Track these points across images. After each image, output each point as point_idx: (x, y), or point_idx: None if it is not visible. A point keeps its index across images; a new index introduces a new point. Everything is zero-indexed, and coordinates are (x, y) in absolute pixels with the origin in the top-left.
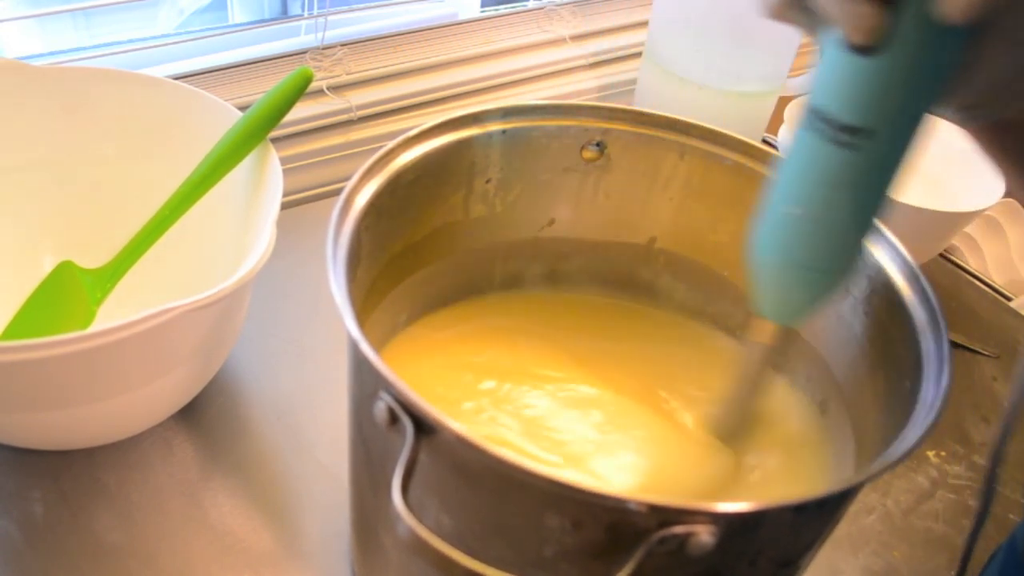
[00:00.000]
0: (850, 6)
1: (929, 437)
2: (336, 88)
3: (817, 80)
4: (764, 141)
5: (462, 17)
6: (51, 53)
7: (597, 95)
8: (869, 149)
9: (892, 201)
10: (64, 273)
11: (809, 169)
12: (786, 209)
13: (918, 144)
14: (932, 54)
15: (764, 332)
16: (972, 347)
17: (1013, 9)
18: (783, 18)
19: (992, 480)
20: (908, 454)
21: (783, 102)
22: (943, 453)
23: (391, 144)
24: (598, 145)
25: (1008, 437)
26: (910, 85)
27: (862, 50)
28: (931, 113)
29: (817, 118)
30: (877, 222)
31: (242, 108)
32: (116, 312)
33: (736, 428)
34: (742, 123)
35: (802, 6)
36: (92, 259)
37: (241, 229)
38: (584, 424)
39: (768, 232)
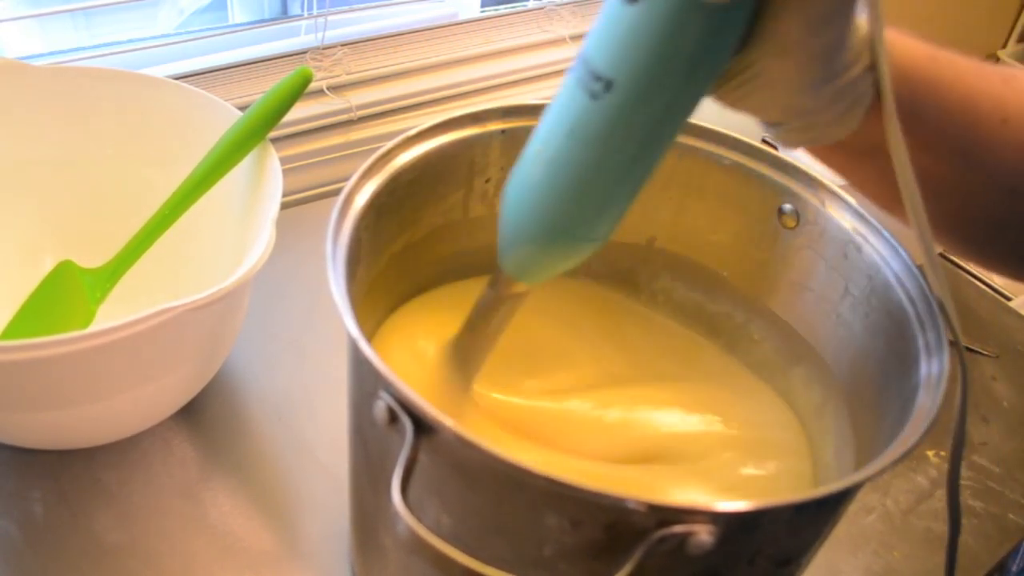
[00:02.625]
0: None
1: (928, 437)
2: (336, 88)
3: (595, 23)
4: (764, 141)
5: (462, 17)
6: (51, 53)
7: None
8: (607, 101)
9: (633, 179)
10: (64, 273)
11: (558, 112)
12: (531, 149)
13: (674, 121)
14: (686, 16)
15: (503, 282)
16: (972, 347)
17: (777, 16)
18: None
19: (956, 500)
20: (907, 454)
21: None
22: (943, 453)
23: (391, 144)
24: None
25: (958, 463)
26: (657, 42)
27: None
28: (693, 89)
29: (579, 61)
30: (622, 194)
31: (242, 108)
32: (116, 312)
33: (465, 365)
34: (741, 123)
35: None
36: (92, 259)
37: (241, 229)
38: (587, 420)
39: (516, 174)
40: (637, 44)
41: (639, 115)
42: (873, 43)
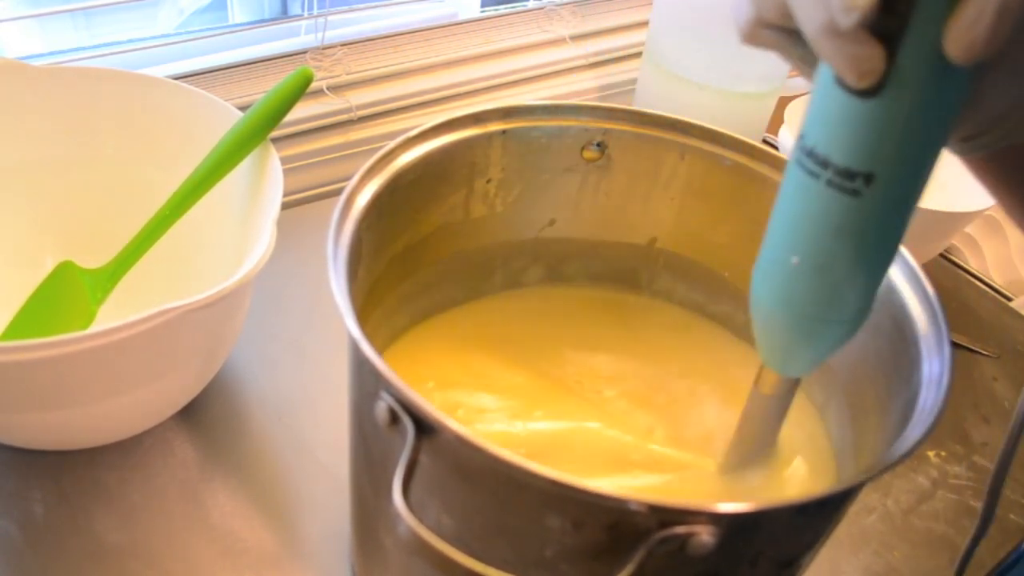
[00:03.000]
0: (847, 46)
1: (929, 437)
2: (336, 88)
3: (810, 117)
4: (764, 141)
5: (462, 17)
6: (51, 53)
7: (597, 95)
8: (871, 195)
9: (901, 246)
10: (64, 273)
11: (806, 215)
12: (784, 257)
13: (926, 184)
14: (937, 94)
15: (769, 383)
16: (972, 347)
17: (1017, 42)
18: (762, 44)
19: (997, 491)
20: (908, 454)
21: (783, 102)
22: (943, 453)
23: (391, 144)
24: (599, 145)
25: (1014, 448)
26: (913, 127)
27: (860, 91)
28: (938, 153)
29: (812, 159)
30: (885, 269)
31: (242, 108)
32: (116, 312)
33: (748, 468)
34: (742, 123)
35: (787, 33)
36: (92, 259)
37: (241, 229)
38: (587, 419)
39: (767, 281)
40: (888, 135)
41: (906, 197)
42: None
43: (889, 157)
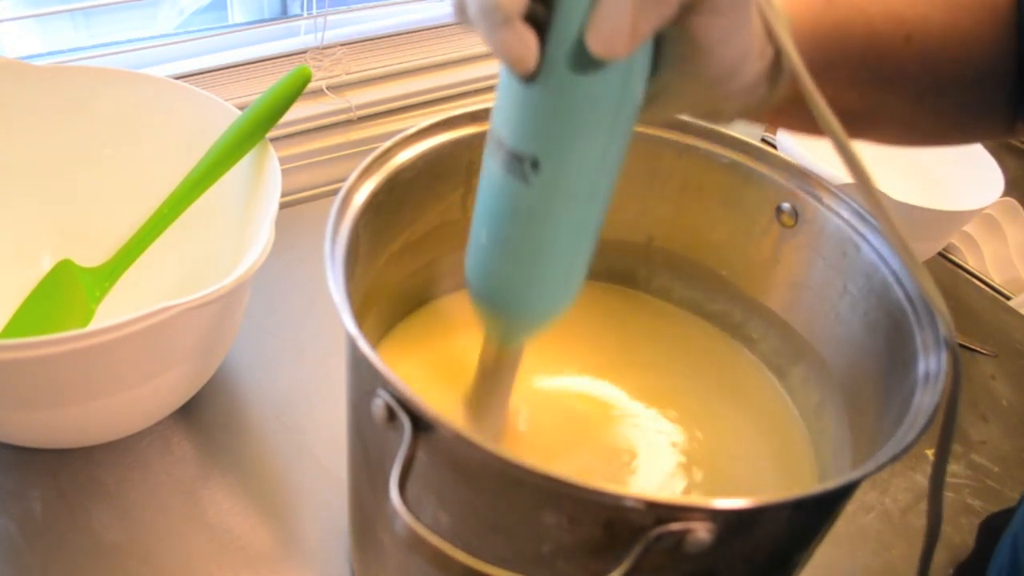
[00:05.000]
0: (499, 31)
1: (926, 435)
2: (335, 88)
3: (496, 101)
4: (763, 140)
5: None
6: (51, 53)
7: None
8: (539, 179)
9: (586, 241)
10: (63, 272)
11: (490, 194)
12: (477, 233)
13: (606, 171)
14: (593, 83)
15: (492, 348)
16: (971, 346)
17: (675, 39)
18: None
19: (939, 504)
20: (904, 452)
21: None
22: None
23: (389, 143)
24: None
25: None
26: (570, 114)
27: (520, 76)
28: (620, 134)
29: (493, 141)
30: (576, 254)
31: (241, 108)
32: (115, 311)
33: (483, 420)
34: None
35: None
36: (91, 258)
37: (239, 228)
38: (584, 418)
39: (469, 254)
40: (549, 121)
41: (574, 184)
42: (775, 34)
43: (551, 142)
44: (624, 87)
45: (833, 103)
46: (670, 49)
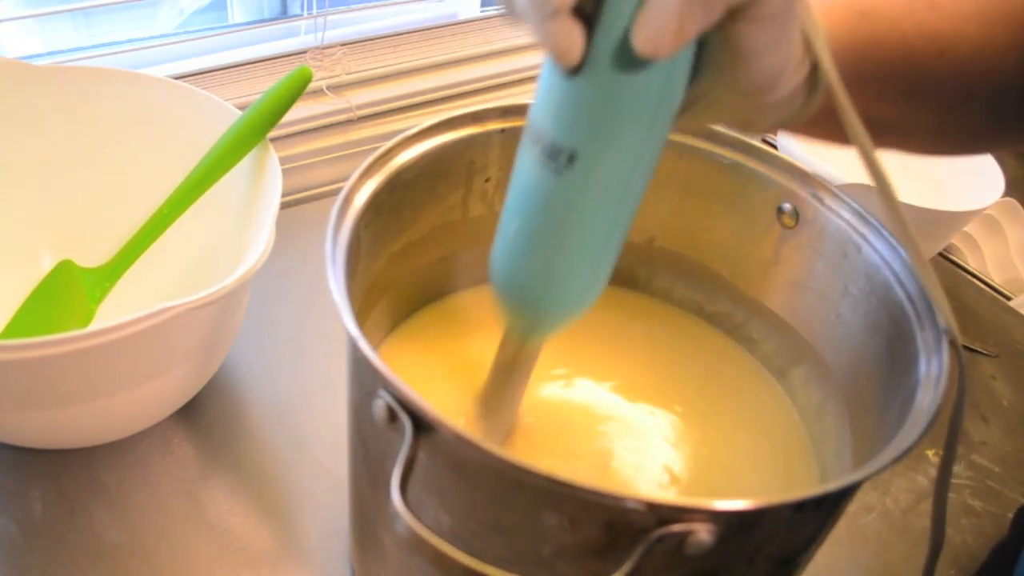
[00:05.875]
0: (547, 24)
1: (928, 436)
2: (336, 88)
3: (537, 92)
4: (764, 141)
5: (462, 17)
6: (51, 53)
7: None
8: (574, 172)
9: (615, 240)
10: (63, 272)
11: (524, 185)
12: (507, 224)
13: (643, 169)
14: (636, 80)
15: (512, 344)
16: (972, 346)
17: (719, 42)
18: (510, 16)
19: (943, 506)
20: (906, 453)
21: None
22: (942, 452)
23: (390, 143)
24: None
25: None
26: (612, 109)
27: (564, 69)
28: (657, 135)
29: (531, 132)
30: (605, 250)
31: (242, 108)
32: (115, 311)
33: (493, 419)
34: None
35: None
36: (91, 258)
37: (240, 228)
38: (583, 420)
39: (497, 247)
40: (589, 114)
41: (609, 181)
42: (813, 47)
43: (591, 136)
44: (665, 88)
45: (864, 115)
46: (711, 56)
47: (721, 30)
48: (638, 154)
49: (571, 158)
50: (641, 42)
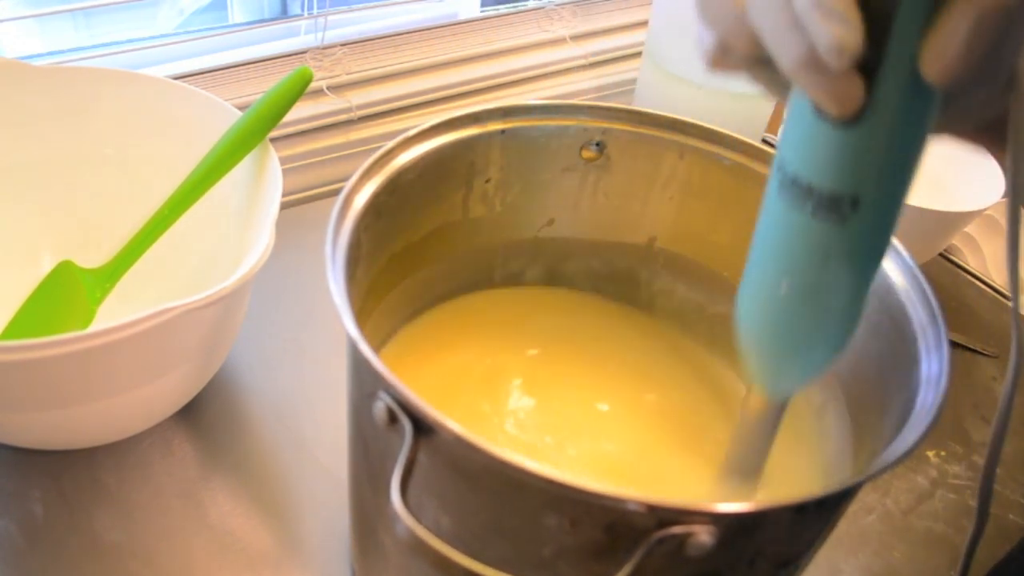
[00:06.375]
0: (828, 81)
1: (929, 437)
2: (336, 88)
3: (790, 143)
4: (764, 141)
5: (462, 17)
6: (51, 53)
7: (596, 95)
8: (857, 219)
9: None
10: (64, 273)
11: (793, 242)
12: (772, 283)
13: (905, 201)
14: (916, 114)
15: (759, 403)
16: (972, 347)
17: (990, 59)
18: (730, 70)
19: (989, 485)
20: (907, 454)
21: (783, 102)
22: (943, 453)
23: (390, 144)
24: (598, 145)
25: (1002, 440)
26: (895, 149)
27: (839, 120)
28: (918, 168)
29: (795, 186)
30: (869, 286)
31: (242, 108)
32: (116, 312)
33: (746, 477)
34: (742, 123)
35: (756, 60)
36: (92, 259)
37: (240, 229)
38: (583, 422)
39: (755, 306)
40: (872, 160)
41: (890, 217)
42: None
43: (873, 180)
44: (934, 107)
45: None
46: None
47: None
48: (912, 182)
49: (854, 204)
50: (934, 70)
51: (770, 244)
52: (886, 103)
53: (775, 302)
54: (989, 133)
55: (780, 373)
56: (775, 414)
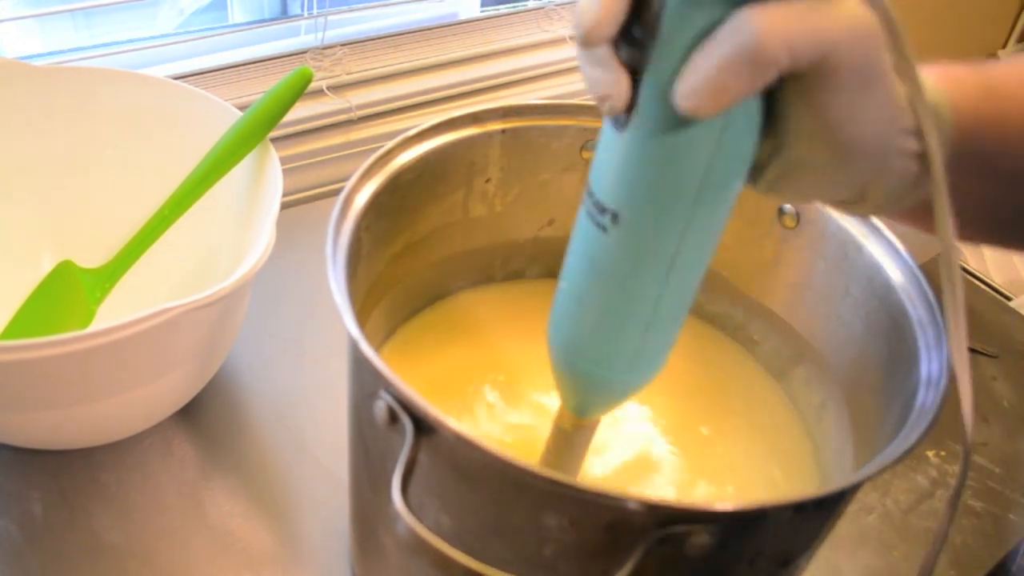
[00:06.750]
0: (592, 67)
1: (928, 437)
2: (336, 88)
3: (595, 148)
4: None
5: (462, 17)
6: (51, 53)
7: None
8: (617, 233)
9: (671, 309)
10: (64, 273)
11: (575, 241)
12: (560, 281)
13: (699, 241)
14: (679, 136)
15: (567, 419)
16: (972, 347)
17: (792, 109)
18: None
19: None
20: (907, 454)
21: None
22: (943, 453)
23: (391, 144)
24: None
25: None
26: (659, 169)
27: (614, 124)
28: (710, 204)
29: (587, 188)
30: (660, 319)
31: (242, 108)
32: (115, 312)
33: None
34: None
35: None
36: (92, 259)
37: (241, 229)
38: None
39: (553, 311)
40: (633, 173)
41: (653, 244)
42: (915, 110)
43: (632, 196)
44: (718, 148)
45: (966, 193)
46: (795, 122)
47: (801, 96)
48: (688, 217)
49: (615, 217)
50: (681, 97)
51: (569, 247)
52: (646, 113)
53: (558, 301)
54: (925, 219)
55: (572, 389)
56: (582, 433)
